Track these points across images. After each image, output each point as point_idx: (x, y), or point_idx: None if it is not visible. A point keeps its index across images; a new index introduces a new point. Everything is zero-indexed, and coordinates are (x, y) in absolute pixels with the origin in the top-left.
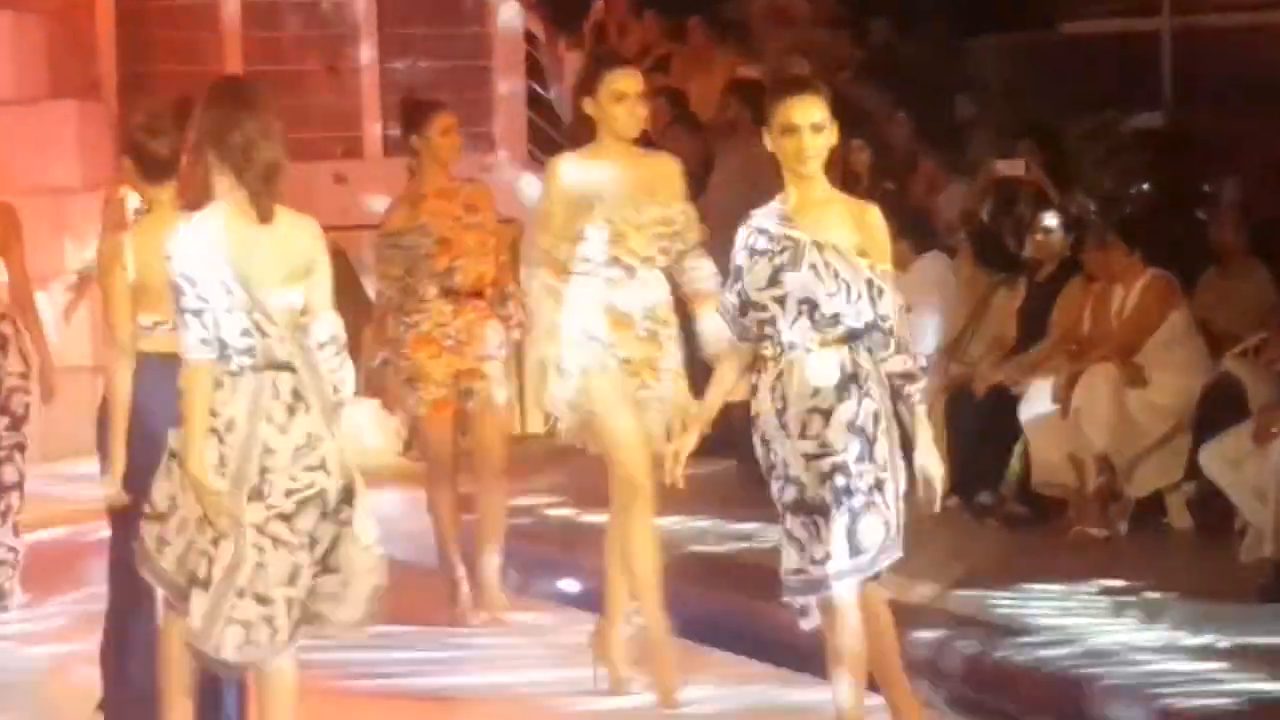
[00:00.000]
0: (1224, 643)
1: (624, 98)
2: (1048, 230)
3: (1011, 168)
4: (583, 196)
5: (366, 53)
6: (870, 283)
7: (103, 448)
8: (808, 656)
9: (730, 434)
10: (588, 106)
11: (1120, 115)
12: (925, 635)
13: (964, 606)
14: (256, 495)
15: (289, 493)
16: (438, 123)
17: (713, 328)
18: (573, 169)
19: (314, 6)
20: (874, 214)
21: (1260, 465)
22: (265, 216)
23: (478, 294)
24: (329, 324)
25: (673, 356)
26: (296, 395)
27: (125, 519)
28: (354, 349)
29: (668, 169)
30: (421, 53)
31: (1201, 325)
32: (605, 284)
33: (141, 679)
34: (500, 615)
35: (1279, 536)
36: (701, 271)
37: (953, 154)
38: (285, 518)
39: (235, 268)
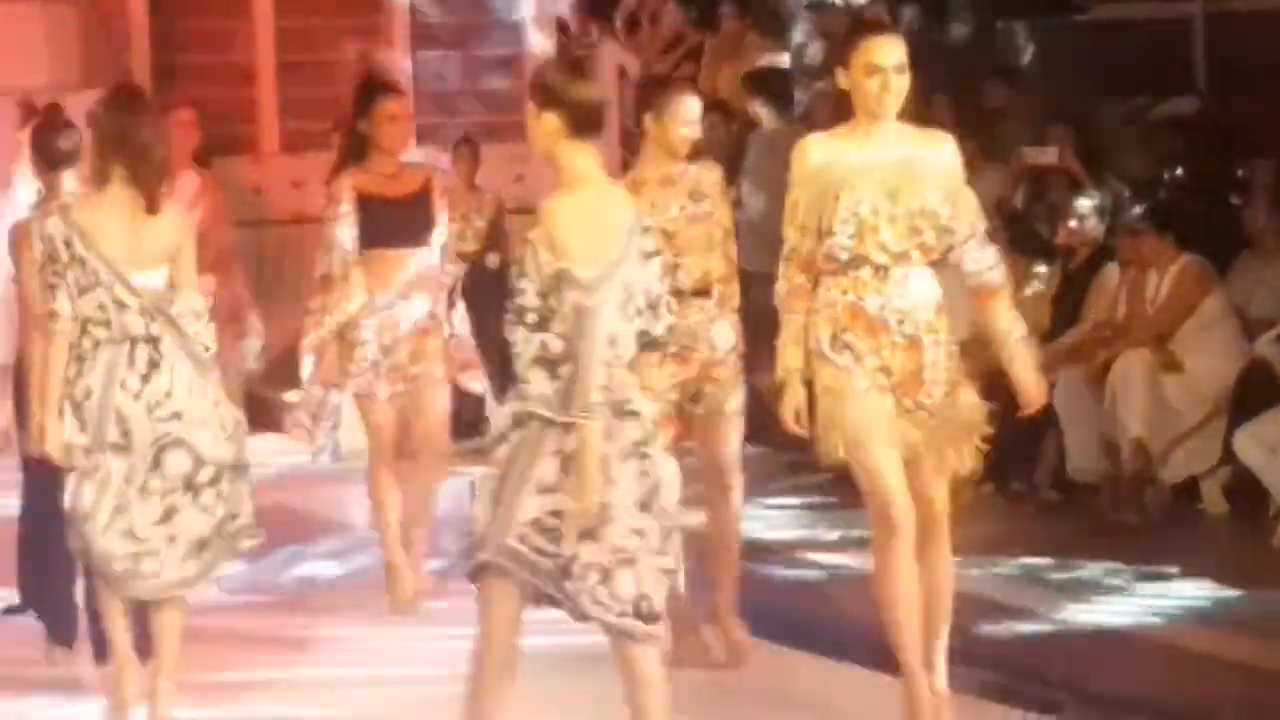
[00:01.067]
0: (1257, 627)
1: (878, 70)
2: (1081, 217)
3: (1043, 155)
4: (827, 183)
5: (398, 42)
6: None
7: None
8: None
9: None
10: (841, 80)
11: (1153, 101)
12: (956, 621)
13: (997, 591)
14: (121, 449)
15: (153, 442)
16: (682, 109)
17: (1004, 326)
18: (820, 151)
19: None
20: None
21: None
22: (154, 209)
23: (704, 292)
24: (187, 298)
25: (942, 367)
26: (152, 364)
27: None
28: None
29: (935, 151)
30: (453, 41)
31: (1236, 310)
32: (852, 284)
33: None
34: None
35: None
36: (980, 264)
37: (984, 139)
38: (153, 465)
39: (101, 252)
